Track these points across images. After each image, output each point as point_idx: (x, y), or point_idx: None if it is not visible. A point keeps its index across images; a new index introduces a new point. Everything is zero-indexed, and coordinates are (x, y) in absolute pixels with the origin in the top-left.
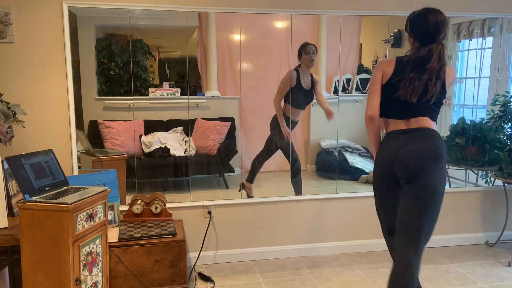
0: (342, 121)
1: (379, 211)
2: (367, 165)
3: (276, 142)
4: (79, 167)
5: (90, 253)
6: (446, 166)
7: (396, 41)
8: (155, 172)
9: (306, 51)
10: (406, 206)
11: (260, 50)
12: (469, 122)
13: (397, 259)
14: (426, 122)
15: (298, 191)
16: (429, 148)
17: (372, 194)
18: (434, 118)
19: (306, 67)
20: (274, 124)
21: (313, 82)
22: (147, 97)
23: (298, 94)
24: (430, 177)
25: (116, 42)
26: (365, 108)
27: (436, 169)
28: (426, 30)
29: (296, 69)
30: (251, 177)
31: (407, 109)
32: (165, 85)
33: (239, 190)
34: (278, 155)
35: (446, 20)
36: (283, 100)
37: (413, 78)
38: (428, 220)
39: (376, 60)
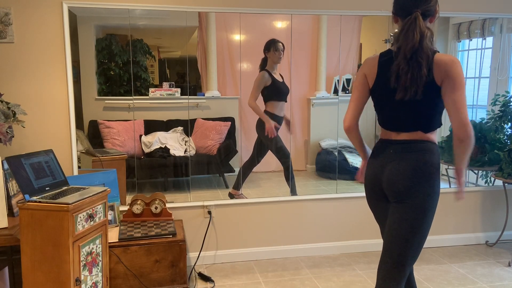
0: (342, 121)
1: (375, 219)
2: None
3: (267, 144)
4: (79, 167)
5: (90, 253)
6: (447, 166)
7: None
8: (155, 172)
9: (275, 48)
10: (392, 228)
11: (260, 50)
12: None
13: (379, 283)
14: (417, 133)
15: (292, 190)
16: (418, 166)
17: None
18: (429, 126)
19: (274, 63)
20: (260, 127)
21: (281, 76)
22: (147, 97)
23: (277, 88)
24: (418, 197)
25: (116, 42)
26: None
27: (425, 188)
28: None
29: (266, 69)
30: (238, 184)
31: (395, 118)
32: (165, 85)
33: (231, 198)
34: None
35: None
36: (263, 99)
37: (399, 67)
38: (415, 243)
39: None
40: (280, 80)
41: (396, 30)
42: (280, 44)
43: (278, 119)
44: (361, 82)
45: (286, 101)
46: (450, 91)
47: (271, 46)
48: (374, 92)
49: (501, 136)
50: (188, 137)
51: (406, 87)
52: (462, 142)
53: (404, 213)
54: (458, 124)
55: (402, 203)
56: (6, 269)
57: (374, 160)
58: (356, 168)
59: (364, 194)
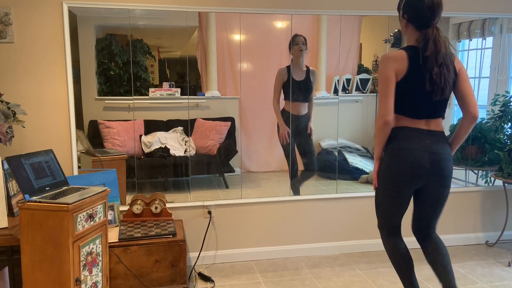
0: (342, 121)
1: (386, 210)
2: (367, 165)
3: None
4: (79, 167)
5: (90, 253)
6: None
7: (396, 41)
8: (155, 172)
9: (295, 42)
10: (427, 206)
11: (260, 50)
12: None
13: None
14: (441, 123)
15: (296, 191)
16: (450, 155)
17: (372, 194)
18: (444, 112)
19: (296, 58)
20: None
21: (309, 73)
22: (147, 97)
23: (291, 87)
24: (450, 179)
25: (116, 42)
26: (365, 108)
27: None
28: (421, 12)
29: (288, 66)
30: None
31: (427, 108)
32: (165, 85)
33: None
34: (279, 154)
35: (442, 4)
36: (282, 98)
37: (431, 73)
38: (441, 209)
39: (376, 60)
40: (299, 78)
41: (397, 29)
42: (300, 37)
43: (299, 119)
44: (391, 77)
45: (305, 101)
46: (466, 80)
47: (292, 41)
48: (404, 85)
49: (501, 136)
50: (188, 137)
51: (443, 88)
52: (473, 123)
53: (444, 192)
54: (475, 104)
55: (445, 186)
56: (6, 269)
57: (411, 149)
58: (356, 168)
59: (364, 194)
